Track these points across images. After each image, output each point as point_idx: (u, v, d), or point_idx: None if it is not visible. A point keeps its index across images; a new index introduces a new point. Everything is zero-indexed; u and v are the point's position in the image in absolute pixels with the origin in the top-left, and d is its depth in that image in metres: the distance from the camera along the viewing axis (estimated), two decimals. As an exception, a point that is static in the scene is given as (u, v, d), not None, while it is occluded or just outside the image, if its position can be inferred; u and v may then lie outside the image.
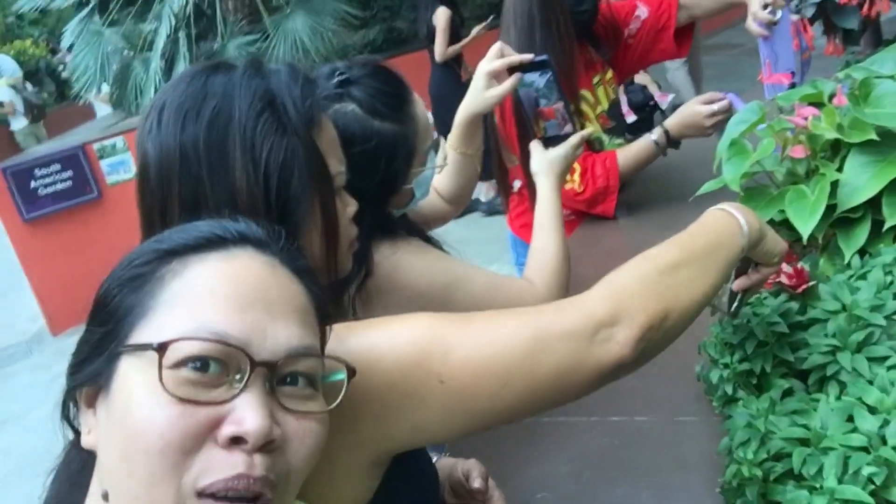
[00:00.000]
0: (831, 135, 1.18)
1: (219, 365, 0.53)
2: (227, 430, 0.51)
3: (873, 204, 1.14)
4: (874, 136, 1.13)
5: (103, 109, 10.44)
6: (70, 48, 6.94)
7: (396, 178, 1.19)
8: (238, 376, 0.53)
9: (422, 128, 1.23)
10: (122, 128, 6.26)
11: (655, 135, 1.87)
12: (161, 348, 0.52)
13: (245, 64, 0.85)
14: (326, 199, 0.84)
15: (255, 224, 0.63)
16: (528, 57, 1.35)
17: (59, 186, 5.54)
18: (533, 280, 1.25)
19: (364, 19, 7.02)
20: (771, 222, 1.22)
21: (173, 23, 6.08)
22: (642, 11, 2.04)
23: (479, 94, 1.34)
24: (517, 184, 1.99)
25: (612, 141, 2.06)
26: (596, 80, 2.04)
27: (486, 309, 0.99)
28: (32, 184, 5.43)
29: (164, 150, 0.80)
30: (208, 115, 0.80)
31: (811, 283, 1.00)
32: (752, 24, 1.76)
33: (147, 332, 0.55)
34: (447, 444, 1.19)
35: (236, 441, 0.52)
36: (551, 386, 0.70)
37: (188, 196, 0.80)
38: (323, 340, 0.63)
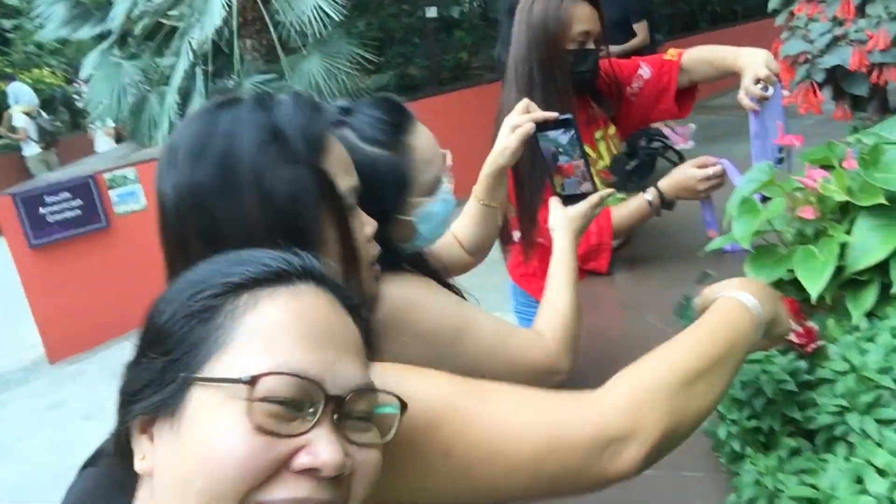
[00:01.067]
0: (841, 197, 1.20)
1: (297, 400, 0.56)
2: (303, 461, 0.55)
3: (881, 267, 1.16)
4: (883, 201, 1.14)
5: (104, 143, 10.59)
6: (88, 79, 7.07)
7: (386, 205, 1.18)
8: (311, 410, 0.57)
9: (422, 158, 1.22)
10: (133, 159, 6.33)
11: (650, 195, 1.91)
12: (251, 382, 0.55)
13: (251, 98, 0.87)
14: (341, 222, 0.86)
15: (314, 258, 0.65)
16: (552, 115, 1.39)
17: (68, 214, 5.58)
18: (543, 332, 1.25)
19: (378, 65, 7.14)
20: (780, 281, 1.23)
21: (191, 59, 6.19)
22: (645, 72, 2.08)
23: (503, 146, 1.37)
24: (516, 234, 2.01)
25: (615, 197, 2.06)
26: (598, 135, 2.08)
27: (492, 356, 0.99)
28: (41, 210, 5.47)
29: (179, 189, 0.83)
30: (217, 153, 0.82)
31: (820, 343, 1.01)
32: (743, 98, 1.81)
33: (223, 365, 0.57)
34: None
35: (310, 470, 0.55)
36: (551, 484, 0.72)
37: (206, 232, 0.82)
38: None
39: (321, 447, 0.55)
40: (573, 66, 1.90)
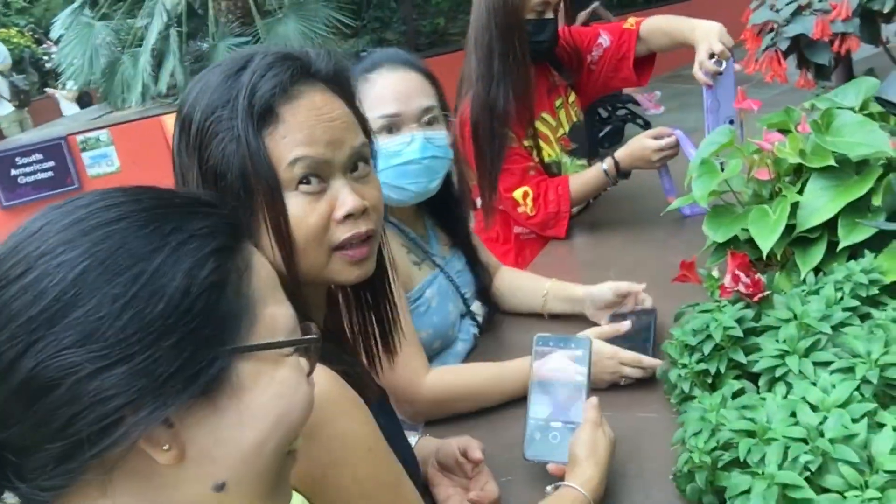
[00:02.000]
0: (794, 159, 1.26)
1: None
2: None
3: (830, 226, 1.22)
4: (833, 163, 1.21)
5: (68, 107, 10.40)
6: (57, 40, 6.94)
7: None
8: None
9: (378, 95, 1.33)
10: (106, 121, 6.27)
11: (606, 164, 1.97)
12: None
13: (232, 58, 0.85)
14: (272, 199, 0.81)
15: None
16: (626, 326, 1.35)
17: (40, 176, 5.54)
18: (425, 378, 1.27)
19: (355, 29, 7.10)
20: (735, 239, 1.30)
21: (165, 20, 6.11)
22: (604, 40, 2.12)
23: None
24: (478, 201, 2.06)
25: (574, 162, 2.16)
26: (558, 103, 2.13)
27: None
28: (13, 172, 5.43)
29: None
30: (184, 116, 0.84)
31: (766, 293, 1.08)
32: (697, 72, 1.84)
33: (258, 332, 0.57)
34: (421, 426, 1.25)
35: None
36: None
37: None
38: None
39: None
40: (532, 36, 1.94)
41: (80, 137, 5.83)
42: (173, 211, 0.57)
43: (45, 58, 14.22)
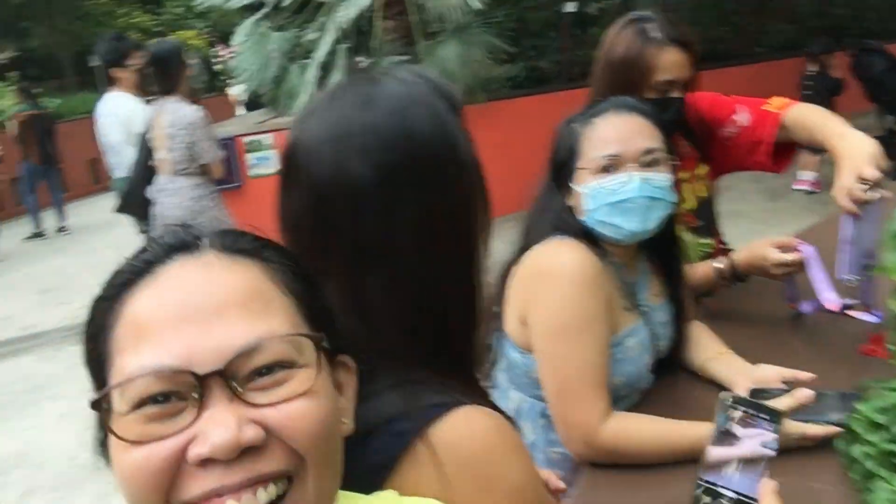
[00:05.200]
0: None
1: (170, 392, 0.52)
2: (192, 454, 0.51)
3: None
4: None
5: (237, 109, 11.19)
6: (228, 44, 7.45)
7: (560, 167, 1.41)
8: (195, 395, 0.52)
9: (599, 136, 1.39)
10: (271, 125, 6.69)
11: (721, 264, 1.76)
12: (99, 402, 0.54)
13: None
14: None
15: (185, 228, 0.61)
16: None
17: (209, 171, 5.97)
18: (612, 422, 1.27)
19: (511, 55, 7.23)
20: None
21: (337, 35, 6.45)
22: (742, 118, 1.87)
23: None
24: None
25: (699, 241, 1.93)
26: (684, 176, 1.89)
27: None
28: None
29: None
30: None
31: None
32: (841, 197, 1.49)
33: (111, 378, 0.56)
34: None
35: (209, 460, 0.51)
36: None
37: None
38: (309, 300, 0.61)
39: (208, 430, 0.51)
40: (658, 113, 1.65)
41: (246, 139, 6.26)
42: None
43: (214, 60, 15.34)
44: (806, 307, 1.68)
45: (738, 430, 1.02)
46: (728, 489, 1.00)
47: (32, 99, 9.49)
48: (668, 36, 1.70)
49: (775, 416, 1.02)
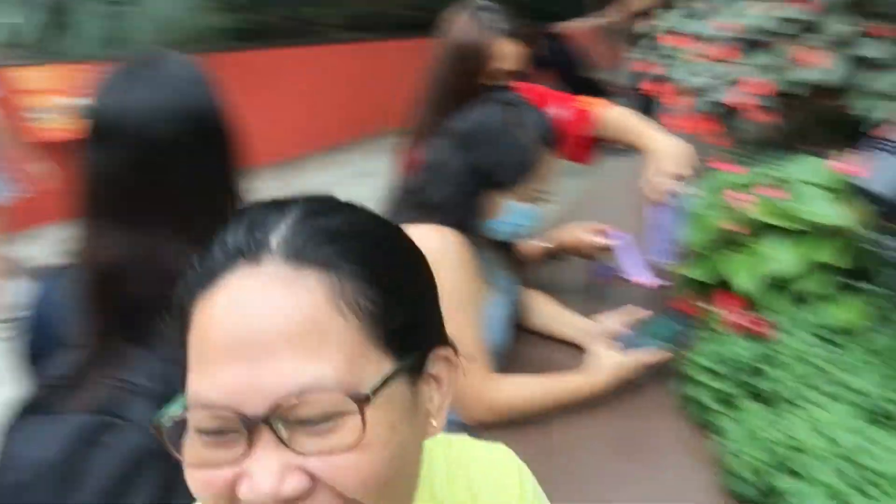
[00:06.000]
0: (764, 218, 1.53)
1: (222, 428, 0.52)
2: (241, 492, 0.51)
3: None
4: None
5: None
6: None
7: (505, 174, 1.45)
8: (245, 430, 0.51)
9: (550, 171, 1.51)
10: None
11: (548, 243, 1.97)
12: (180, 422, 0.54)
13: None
14: None
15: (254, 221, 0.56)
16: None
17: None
18: (501, 384, 1.39)
19: (231, 5, 6.79)
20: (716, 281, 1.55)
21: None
22: (563, 113, 1.97)
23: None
24: None
25: None
26: None
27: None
28: None
29: None
30: None
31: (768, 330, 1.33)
32: (648, 190, 1.74)
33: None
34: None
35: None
36: None
37: None
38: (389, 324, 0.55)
39: (253, 473, 0.50)
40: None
41: None
42: None
43: None
44: (605, 272, 1.90)
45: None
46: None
47: None
48: (505, 28, 1.82)
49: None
